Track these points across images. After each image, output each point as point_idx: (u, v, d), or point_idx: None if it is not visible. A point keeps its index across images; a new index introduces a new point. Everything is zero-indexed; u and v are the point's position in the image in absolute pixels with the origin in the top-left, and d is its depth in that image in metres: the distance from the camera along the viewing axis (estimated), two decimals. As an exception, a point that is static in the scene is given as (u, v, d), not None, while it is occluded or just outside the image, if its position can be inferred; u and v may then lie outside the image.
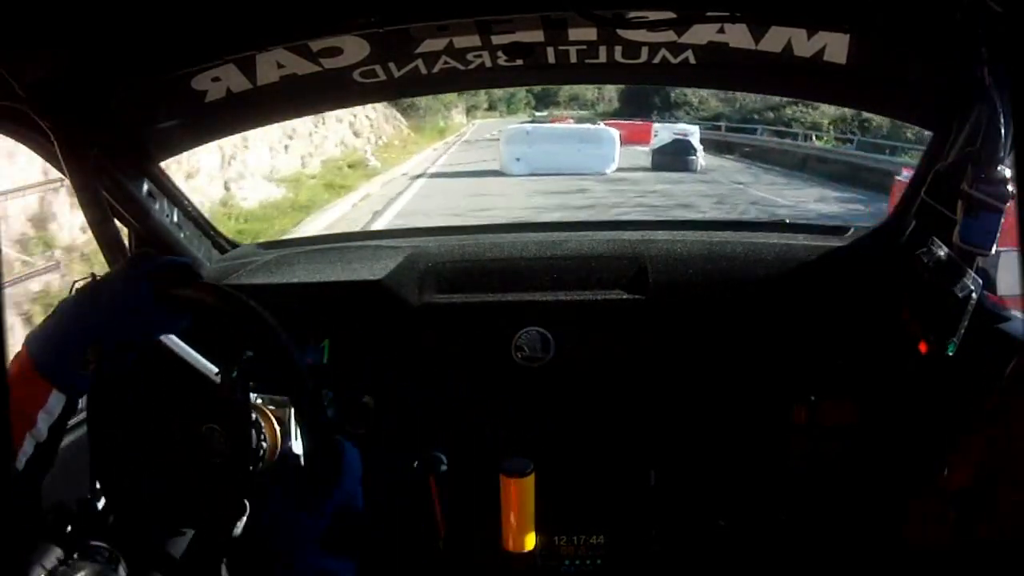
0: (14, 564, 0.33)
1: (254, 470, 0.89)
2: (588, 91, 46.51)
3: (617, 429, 1.40)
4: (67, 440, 1.13)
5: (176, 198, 1.48)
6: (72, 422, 1.14)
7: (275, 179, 11.98)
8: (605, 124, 22.66)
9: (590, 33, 1.22)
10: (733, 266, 1.40)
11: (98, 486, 0.91)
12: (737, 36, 1.20)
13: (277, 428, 0.91)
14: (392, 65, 1.30)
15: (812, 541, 1.35)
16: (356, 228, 8.53)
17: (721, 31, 1.19)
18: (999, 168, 1.07)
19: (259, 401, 0.96)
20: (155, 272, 0.87)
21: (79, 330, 0.82)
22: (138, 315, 0.86)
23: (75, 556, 0.74)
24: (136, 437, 0.95)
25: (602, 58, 1.30)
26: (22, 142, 1.20)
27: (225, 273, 1.50)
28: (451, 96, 31.15)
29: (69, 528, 0.84)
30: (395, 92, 1.52)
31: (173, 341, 1.05)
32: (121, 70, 1.10)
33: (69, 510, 0.87)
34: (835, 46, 1.18)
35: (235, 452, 0.89)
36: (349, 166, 15.31)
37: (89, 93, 1.12)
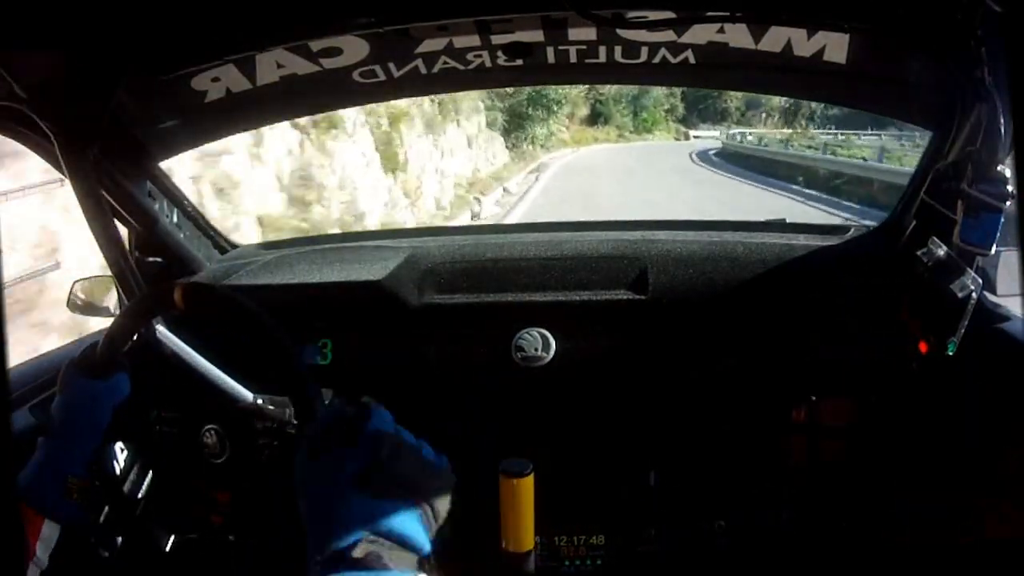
0: (14, 564, 0.33)
1: (255, 469, 0.89)
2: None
3: (617, 429, 1.39)
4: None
5: (176, 198, 1.48)
6: None
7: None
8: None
9: (590, 33, 1.22)
10: (733, 266, 1.40)
11: (97, 484, 0.91)
12: (737, 36, 1.20)
13: (276, 428, 0.91)
14: (392, 65, 1.30)
15: (812, 541, 1.35)
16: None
17: (721, 31, 1.19)
18: (999, 168, 1.07)
19: (259, 401, 0.96)
20: (79, 360, 0.93)
21: (51, 461, 0.88)
22: (93, 405, 0.91)
23: None
24: (136, 437, 0.96)
25: (602, 58, 1.30)
26: (22, 142, 1.20)
27: (225, 273, 1.50)
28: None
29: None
30: (395, 92, 1.52)
31: (172, 340, 1.05)
32: (121, 70, 1.10)
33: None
34: (835, 46, 1.18)
35: (235, 452, 0.89)
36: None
37: (89, 93, 1.12)
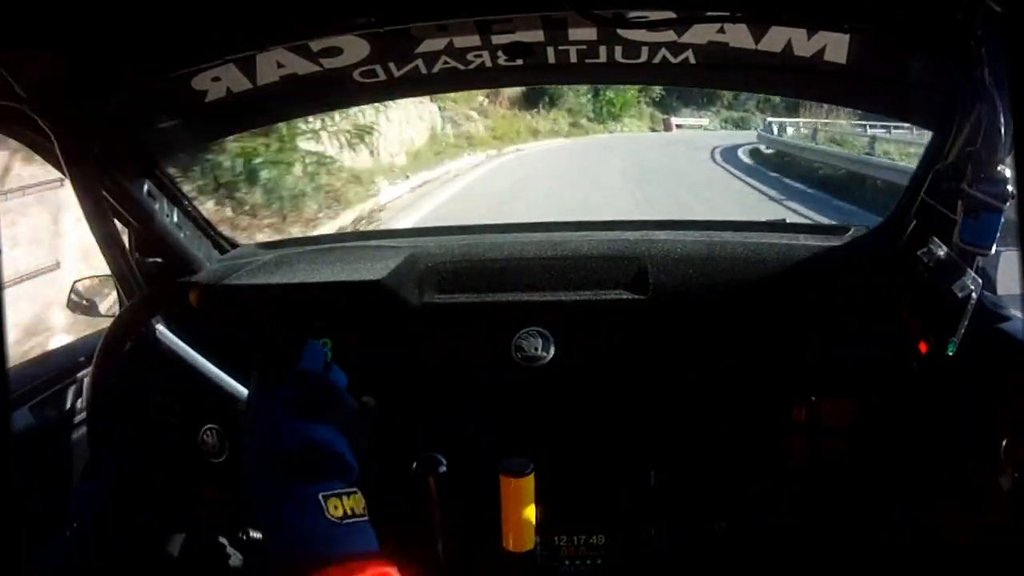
0: (14, 563, 0.33)
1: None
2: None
3: (617, 429, 1.39)
4: (66, 441, 1.13)
5: (176, 198, 1.48)
6: (74, 421, 1.14)
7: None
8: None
9: (590, 33, 1.22)
10: (733, 266, 1.40)
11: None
12: (737, 36, 1.20)
13: None
14: (392, 65, 1.30)
15: (812, 541, 1.35)
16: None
17: (721, 31, 1.19)
18: (999, 168, 1.07)
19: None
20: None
21: None
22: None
23: None
24: (136, 437, 0.96)
25: (602, 58, 1.30)
26: (22, 142, 1.20)
27: (225, 273, 1.50)
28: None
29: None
30: (395, 92, 1.52)
31: (172, 340, 1.05)
32: (121, 70, 1.10)
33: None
34: (835, 46, 1.18)
35: (234, 452, 0.89)
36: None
37: (89, 93, 1.12)
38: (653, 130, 33.75)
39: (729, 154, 19.24)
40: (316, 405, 0.72)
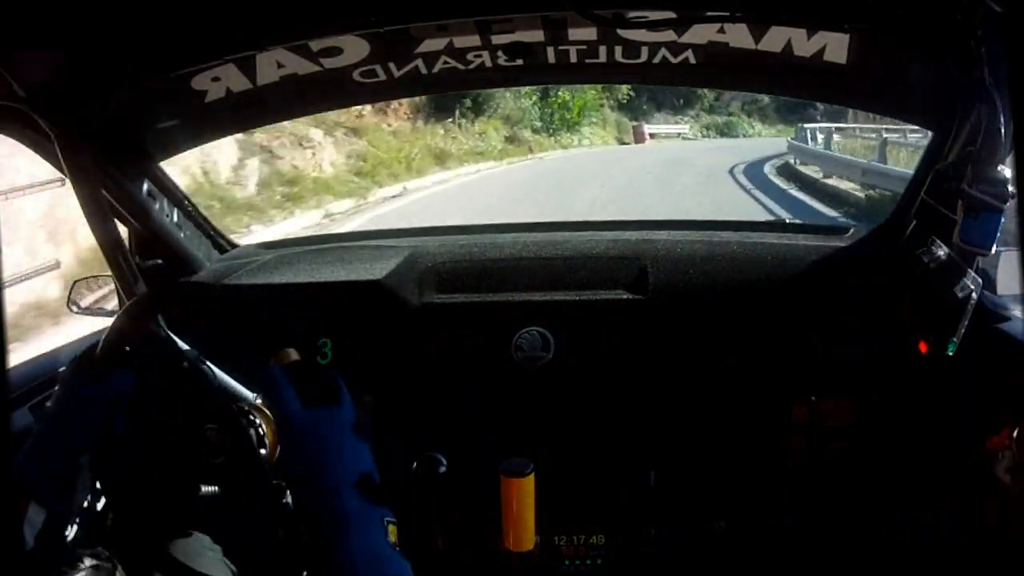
0: (13, 563, 0.33)
1: (256, 469, 0.89)
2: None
3: (617, 429, 1.39)
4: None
5: (176, 198, 1.48)
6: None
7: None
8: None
9: (590, 33, 1.22)
10: (733, 266, 1.40)
11: (98, 486, 0.91)
12: (737, 36, 1.20)
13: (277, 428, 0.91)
14: (392, 65, 1.30)
15: (812, 541, 1.35)
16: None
17: (721, 31, 1.19)
18: (999, 168, 1.07)
19: (259, 401, 0.96)
20: (79, 357, 0.96)
21: (41, 445, 0.91)
22: (86, 400, 0.93)
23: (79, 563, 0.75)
24: (137, 438, 0.95)
25: (602, 58, 1.30)
26: (22, 142, 1.20)
27: (225, 273, 1.50)
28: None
29: (69, 534, 0.84)
30: (395, 92, 1.52)
31: (170, 338, 1.05)
32: (121, 70, 1.10)
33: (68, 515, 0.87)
34: (835, 46, 1.18)
35: (235, 452, 0.89)
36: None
37: (89, 93, 1.12)
38: (622, 142, 26.20)
39: (760, 180, 14.08)
40: (366, 430, 0.78)
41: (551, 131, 22.71)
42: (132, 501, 0.96)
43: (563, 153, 21.07)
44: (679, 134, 29.72)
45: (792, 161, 15.99)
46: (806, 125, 18.24)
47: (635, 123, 27.98)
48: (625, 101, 28.54)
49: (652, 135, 27.40)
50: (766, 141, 24.83)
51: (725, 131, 32.31)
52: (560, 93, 21.68)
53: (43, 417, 0.94)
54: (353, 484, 0.72)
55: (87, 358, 0.95)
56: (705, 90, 27.01)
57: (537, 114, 21.87)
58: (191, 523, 1.03)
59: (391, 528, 0.71)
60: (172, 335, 1.05)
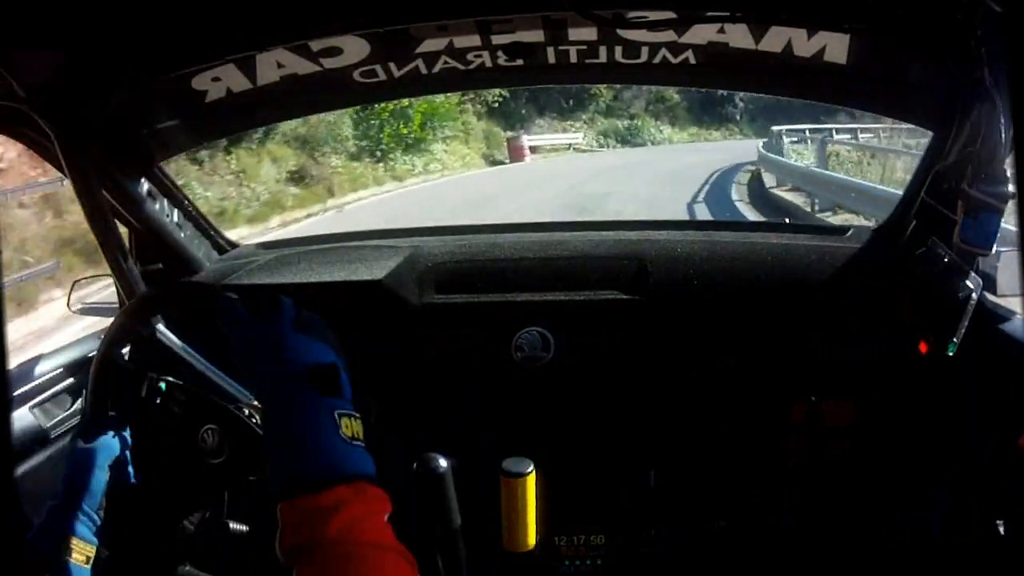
0: (14, 563, 0.33)
1: (254, 469, 0.89)
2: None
3: (617, 429, 1.39)
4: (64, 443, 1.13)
5: (176, 198, 1.48)
6: (69, 425, 1.14)
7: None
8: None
9: (590, 33, 1.22)
10: (733, 266, 1.40)
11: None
12: (737, 36, 1.20)
13: None
14: (392, 65, 1.30)
15: (812, 541, 1.35)
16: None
17: (721, 31, 1.19)
18: (999, 168, 1.07)
19: (256, 402, 0.97)
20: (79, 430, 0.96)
21: (55, 522, 0.90)
22: (87, 469, 0.92)
23: None
24: (136, 439, 0.95)
25: (602, 58, 1.30)
26: (22, 142, 1.20)
27: (225, 273, 1.50)
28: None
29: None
30: (395, 92, 1.52)
31: (172, 340, 1.05)
32: (121, 70, 1.10)
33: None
34: (835, 46, 1.18)
35: (233, 452, 0.89)
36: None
37: (89, 93, 1.12)
38: (492, 160, 19.91)
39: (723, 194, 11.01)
40: (313, 327, 0.75)
41: (379, 155, 15.42)
42: (130, 499, 0.96)
43: (391, 192, 13.99)
44: (569, 145, 23.19)
45: (769, 183, 11.20)
46: (780, 128, 13.66)
47: (510, 134, 21.02)
48: (497, 104, 21.44)
49: (534, 148, 20.78)
50: (683, 151, 20.10)
51: (627, 138, 26.10)
52: (397, 104, 13.96)
53: (55, 497, 0.93)
54: (291, 375, 0.69)
55: (81, 424, 0.95)
56: (600, 87, 23.20)
57: (351, 131, 14.41)
58: (190, 523, 1.03)
59: (345, 421, 0.66)
60: (172, 335, 1.05)
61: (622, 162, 17.49)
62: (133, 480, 0.94)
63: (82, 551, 0.86)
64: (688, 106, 28.54)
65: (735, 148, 18.65)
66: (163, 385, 0.92)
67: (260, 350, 0.73)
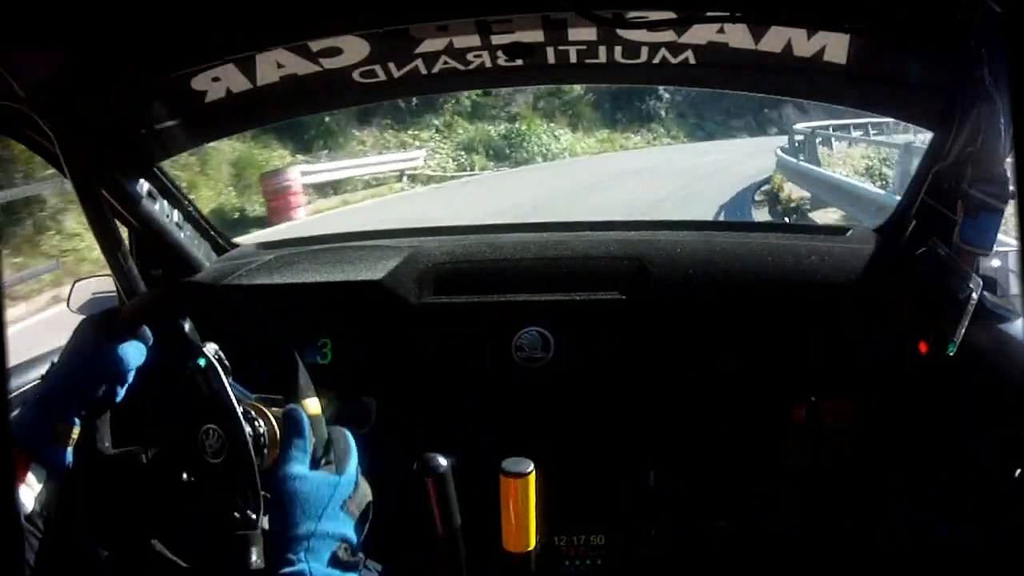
0: (14, 563, 0.33)
1: (255, 469, 0.89)
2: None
3: (617, 429, 1.39)
4: None
5: (176, 198, 1.48)
6: None
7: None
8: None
9: (590, 33, 1.22)
10: (733, 266, 1.40)
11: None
12: (737, 36, 1.20)
13: (277, 427, 0.91)
14: (392, 65, 1.30)
15: (812, 541, 1.35)
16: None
17: (721, 31, 1.19)
18: (999, 168, 1.07)
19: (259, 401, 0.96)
20: (97, 317, 0.96)
21: (44, 403, 0.91)
22: (96, 364, 0.92)
23: None
24: (135, 439, 0.96)
25: (602, 58, 1.30)
26: (22, 142, 1.20)
27: (224, 273, 1.50)
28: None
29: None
30: (395, 92, 1.52)
31: (171, 339, 1.05)
32: (121, 70, 1.10)
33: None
34: (835, 46, 1.18)
35: (234, 452, 0.89)
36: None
37: (89, 93, 1.12)
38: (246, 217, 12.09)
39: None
40: (358, 508, 0.85)
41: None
42: (132, 503, 0.96)
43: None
44: (401, 172, 14.43)
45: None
46: (804, 125, 11.00)
47: (270, 171, 12.43)
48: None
49: (319, 187, 12.82)
50: (595, 170, 14.31)
51: (505, 151, 17.42)
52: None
53: (49, 374, 0.94)
54: (317, 547, 0.76)
55: (106, 318, 0.95)
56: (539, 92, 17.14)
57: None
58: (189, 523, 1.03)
59: None
60: (171, 335, 1.05)
61: (477, 204, 10.89)
62: (119, 399, 0.94)
63: (65, 432, 0.88)
64: (594, 100, 19.65)
65: (677, 161, 13.25)
66: (202, 362, 0.92)
67: (297, 502, 0.81)
